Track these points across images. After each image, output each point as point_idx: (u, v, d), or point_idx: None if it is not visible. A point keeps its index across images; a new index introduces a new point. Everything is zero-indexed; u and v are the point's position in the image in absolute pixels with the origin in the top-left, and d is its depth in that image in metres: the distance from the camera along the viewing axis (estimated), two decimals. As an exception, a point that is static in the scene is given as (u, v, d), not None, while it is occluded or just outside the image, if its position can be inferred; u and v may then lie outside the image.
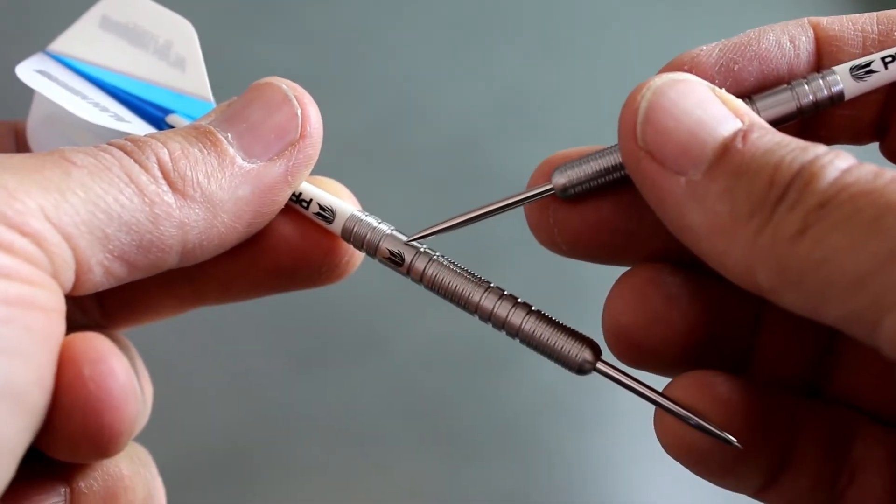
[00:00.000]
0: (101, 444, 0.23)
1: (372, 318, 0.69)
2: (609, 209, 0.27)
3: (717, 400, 0.26)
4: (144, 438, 0.29)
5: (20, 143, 0.31)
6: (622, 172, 0.26)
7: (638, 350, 0.27)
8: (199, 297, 0.30)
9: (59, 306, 0.23)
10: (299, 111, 0.27)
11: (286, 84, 0.28)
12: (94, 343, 0.23)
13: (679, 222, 0.24)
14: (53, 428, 0.23)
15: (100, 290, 0.25)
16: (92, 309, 0.30)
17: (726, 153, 0.23)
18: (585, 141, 0.28)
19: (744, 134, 0.23)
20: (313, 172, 0.29)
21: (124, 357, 0.24)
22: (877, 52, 0.26)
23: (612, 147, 0.26)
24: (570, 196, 0.27)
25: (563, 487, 0.64)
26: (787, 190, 0.22)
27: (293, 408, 0.66)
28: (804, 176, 0.21)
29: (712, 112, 0.24)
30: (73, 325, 0.25)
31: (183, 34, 0.30)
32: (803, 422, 0.26)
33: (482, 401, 0.67)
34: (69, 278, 0.23)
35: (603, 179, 0.27)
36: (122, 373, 0.23)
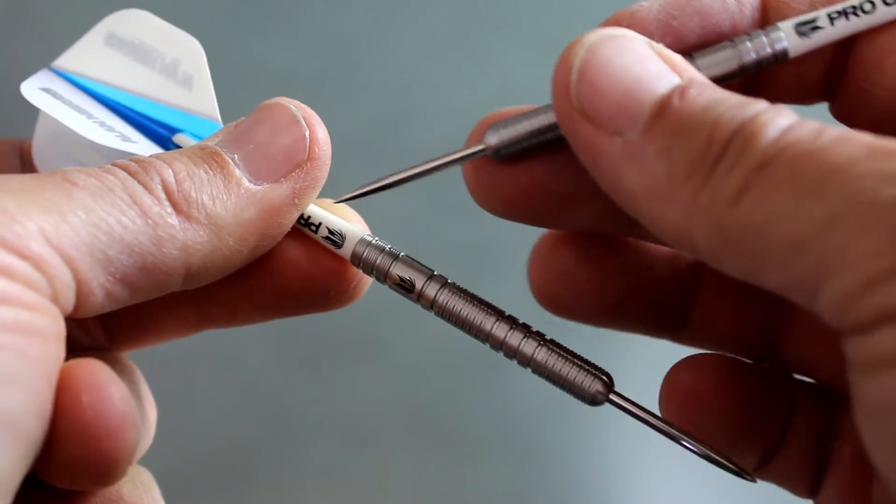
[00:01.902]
0: (100, 472, 0.23)
1: (374, 318, 0.68)
2: (543, 171, 0.26)
3: (719, 383, 0.27)
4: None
5: (25, 162, 0.31)
6: (558, 132, 0.25)
7: (555, 303, 0.28)
8: (205, 319, 0.29)
9: (59, 331, 0.22)
10: (307, 132, 0.27)
11: (294, 105, 0.27)
12: (94, 370, 0.23)
13: (615, 184, 0.22)
14: (51, 456, 0.22)
15: (101, 312, 0.24)
16: (95, 330, 0.29)
17: (663, 111, 0.22)
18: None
19: (682, 90, 0.22)
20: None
21: (123, 384, 0.23)
22: (823, 7, 0.25)
23: (547, 106, 0.25)
24: (504, 157, 0.26)
25: (565, 488, 0.64)
26: (725, 149, 0.20)
27: (296, 409, 0.66)
28: (744, 134, 0.20)
29: (650, 68, 0.22)
30: (76, 346, 0.24)
31: (190, 52, 0.29)
32: (797, 403, 0.27)
33: (484, 402, 0.67)
34: (69, 301, 0.23)
35: (538, 139, 0.25)
36: (120, 400, 0.23)
